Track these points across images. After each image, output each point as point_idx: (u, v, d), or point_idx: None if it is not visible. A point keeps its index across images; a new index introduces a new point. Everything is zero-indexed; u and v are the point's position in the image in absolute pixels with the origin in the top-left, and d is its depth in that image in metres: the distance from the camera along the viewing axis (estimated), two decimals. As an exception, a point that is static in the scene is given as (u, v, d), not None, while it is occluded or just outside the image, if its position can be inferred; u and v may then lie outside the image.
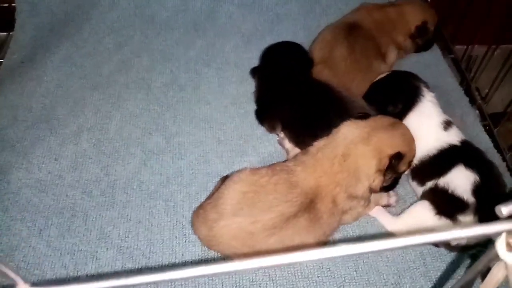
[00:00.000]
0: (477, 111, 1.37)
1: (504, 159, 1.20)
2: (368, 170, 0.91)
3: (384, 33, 1.29)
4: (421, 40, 1.35)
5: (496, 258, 0.41)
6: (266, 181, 0.90)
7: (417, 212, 1.00)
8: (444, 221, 0.95)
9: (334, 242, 1.01)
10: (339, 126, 0.97)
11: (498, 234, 0.39)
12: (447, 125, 1.05)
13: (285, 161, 1.07)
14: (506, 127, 1.45)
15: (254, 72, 1.29)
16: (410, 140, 0.97)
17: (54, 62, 1.39)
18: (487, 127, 1.31)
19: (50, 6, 1.51)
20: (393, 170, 0.93)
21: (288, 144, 1.16)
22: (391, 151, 0.91)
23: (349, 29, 1.27)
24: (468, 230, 0.39)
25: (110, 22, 1.51)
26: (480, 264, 0.45)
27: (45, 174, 1.11)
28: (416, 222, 0.99)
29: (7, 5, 1.52)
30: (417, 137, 1.00)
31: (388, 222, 1.03)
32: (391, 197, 1.07)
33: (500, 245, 0.40)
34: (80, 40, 1.45)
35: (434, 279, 0.97)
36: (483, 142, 1.24)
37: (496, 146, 1.24)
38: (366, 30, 1.27)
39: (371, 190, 0.93)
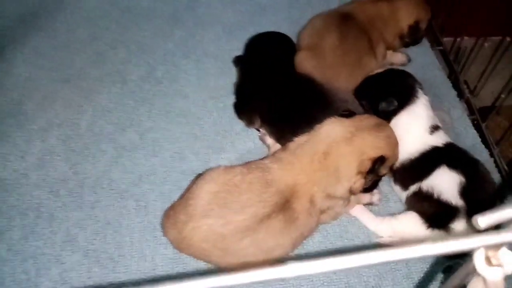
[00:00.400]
0: (465, 105, 1.32)
1: (491, 155, 1.16)
2: (349, 171, 0.86)
3: (375, 29, 1.21)
4: (411, 38, 1.28)
5: (474, 272, 0.37)
6: (240, 180, 0.85)
7: (407, 224, 0.94)
8: (436, 232, 0.90)
9: (313, 243, 0.97)
10: (322, 123, 0.92)
11: (477, 248, 0.34)
12: (434, 129, 1.01)
13: (263, 158, 1.02)
14: (495, 121, 1.41)
15: (237, 61, 1.23)
16: (394, 143, 0.92)
17: (24, 54, 1.31)
18: (475, 122, 1.26)
19: (20, -5, 1.43)
20: (374, 173, 0.88)
21: (269, 140, 1.11)
22: (374, 153, 0.87)
23: (342, 19, 1.19)
24: (444, 245, 0.34)
25: (85, 12, 1.44)
26: (456, 279, 0.40)
27: (10, 172, 1.05)
28: (404, 231, 0.94)
29: (-26, -7, 1.45)
30: (402, 138, 0.95)
31: (371, 222, 0.99)
32: (374, 195, 1.02)
33: (478, 260, 0.35)
34: (52, 31, 1.38)
35: (417, 281, 0.92)
36: (471, 137, 1.20)
37: (484, 141, 1.20)
38: (360, 23, 1.19)
39: (351, 192, 0.88)
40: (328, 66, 1.13)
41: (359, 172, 0.86)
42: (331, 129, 0.89)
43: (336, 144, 0.87)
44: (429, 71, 1.35)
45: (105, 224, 0.97)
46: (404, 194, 0.99)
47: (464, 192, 0.89)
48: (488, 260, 0.35)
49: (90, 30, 1.40)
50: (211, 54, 1.35)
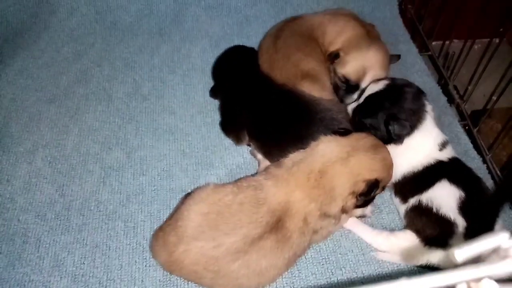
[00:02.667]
0: (456, 111, 1.31)
1: (484, 161, 1.14)
2: (342, 191, 0.85)
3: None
4: None
5: (458, 304, 0.35)
6: (231, 200, 0.84)
7: (404, 242, 0.92)
8: (435, 249, 0.88)
9: (306, 259, 0.95)
10: (318, 141, 0.91)
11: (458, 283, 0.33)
12: (443, 146, 0.97)
13: (255, 173, 1.00)
14: (487, 124, 1.40)
15: (213, 92, 1.23)
16: (389, 165, 0.91)
17: (8, 75, 1.30)
18: (467, 127, 1.25)
19: (4, 15, 1.41)
20: (367, 195, 0.87)
21: (259, 155, 1.09)
22: (369, 176, 0.86)
23: (285, 24, 1.22)
24: (426, 280, 0.32)
25: (69, 30, 1.43)
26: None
27: (-5, 197, 1.03)
28: (401, 248, 0.92)
29: (-42, 15, 1.43)
30: (410, 157, 0.95)
31: (368, 234, 0.97)
32: (366, 208, 1.01)
33: (461, 293, 0.34)
34: (37, 50, 1.37)
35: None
36: (463, 143, 1.19)
37: (476, 147, 1.19)
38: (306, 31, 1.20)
39: (343, 211, 0.87)
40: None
41: (352, 193, 0.85)
42: (327, 148, 0.88)
43: (332, 164, 0.85)
44: (418, 77, 1.34)
45: (93, 247, 0.96)
46: (403, 208, 0.97)
47: (464, 208, 0.87)
48: (471, 291, 0.34)
49: (75, 48, 1.39)
50: (198, 68, 1.34)
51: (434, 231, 0.87)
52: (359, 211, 1.00)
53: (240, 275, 0.81)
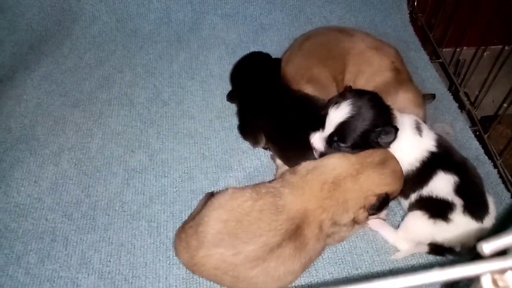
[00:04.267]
0: (467, 117, 1.34)
1: (495, 166, 1.17)
2: (354, 205, 0.88)
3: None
4: None
5: (482, 294, 0.39)
6: (250, 207, 0.85)
7: (411, 223, 0.97)
8: (439, 223, 0.92)
9: (323, 259, 0.99)
10: (329, 155, 0.93)
11: (483, 274, 0.36)
12: (419, 130, 1.00)
13: (272, 180, 1.03)
14: (497, 131, 1.43)
15: (230, 97, 1.27)
16: (399, 177, 0.93)
17: (34, 80, 1.35)
18: (478, 133, 1.28)
19: (29, 23, 1.47)
20: (379, 209, 0.90)
21: (278, 160, 1.13)
22: (379, 191, 0.89)
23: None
24: (451, 271, 0.36)
25: (91, 37, 1.49)
26: (464, 299, 0.42)
27: (24, 197, 1.07)
28: (414, 232, 0.97)
29: (-15, 23, 1.49)
30: (404, 157, 0.97)
31: (391, 235, 1.01)
32: (382, 212, 1.04)
33: (486, 284, 0.37)
34: (60, 57, 1.42)
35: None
36: (474, 148, 1.22)
37: (487, 151, 1.22)
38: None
39: (355, 222, 0.91)
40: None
41: (363, 207, 0.88)
42: (338, 163, 0.90)
43: (343, 179, 0.88)
44: (429, 84, 1.38)
45: (119, 245, 1.00)
46: (406, 202, 1.01)
47: (458, 189, 0.94)
48: (495, 283, 0.37)
49: (97, 54, 1.44)
50: (215, 75, 1.39)
51: (436, 208, 0.93)
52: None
53: (259, 281, 0.84)
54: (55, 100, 1.30)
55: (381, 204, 0.89)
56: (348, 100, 0.95)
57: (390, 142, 0.95)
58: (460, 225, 0.92)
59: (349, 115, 0.94)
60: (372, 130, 0.94)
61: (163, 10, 1.52)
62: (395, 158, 0.95)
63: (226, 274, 0.83)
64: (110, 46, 1.46)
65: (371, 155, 0.92)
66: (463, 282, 0.43)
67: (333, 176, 0.88)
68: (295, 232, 0.84)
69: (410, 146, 0.98)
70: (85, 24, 1.50)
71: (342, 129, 0.95)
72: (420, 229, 0.95)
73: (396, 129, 0.94)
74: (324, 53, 1.20)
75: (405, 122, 0.99)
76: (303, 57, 1.20)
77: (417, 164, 0.98)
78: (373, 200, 0.88)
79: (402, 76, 1.19)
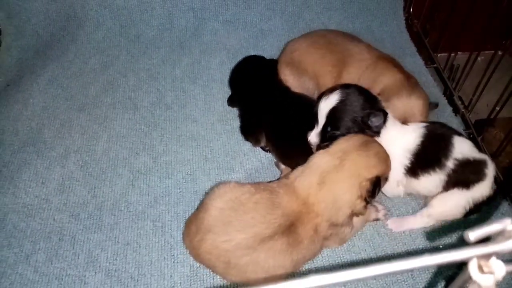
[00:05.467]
0: (461, 120, 1.39)
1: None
2: (348, 197, 0.88)
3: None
4: None
5: (470, 279, 0.42)
6: (247, 199, 0.89)
7: (448, 204, 1.01)
8: (476, 186, 0.98)
9: (322, 257, 1.02)
10: (312, 155, 0.95)
11: (470, 259, 0.40)
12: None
13: (271, 181, 1.07)
14: (490, 133, 1.47)
15: (231, 101, 1.31)
16: (385, 157, 0.93)
17: (40, 84, 1.39)
18: (471, 136, 1.32)
19: (35, 28, 1.51)
20: (373, 194, 0.90)
21: (282, 166, 1.16)
22: (369, 174, 0.88)
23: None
24: (440, 257, 0.40)
25: (95, 42, 1.52)
26: (455, 286, 0.46)
27: (32, 198, 1.11)
28: (451, 211, 1.02)
29: (-8, 28, 1.53)
30: (400, 137, 1.01)
31: (418, 223, 1.05)
32: (379, 212, 1.07)
33: (473, 268, 0.41)
34: (66, 62, 1.46)
35: (422, 291, 0.97)
36: (468, 150, 1.26)
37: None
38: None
39: (357, 214, 0.92)
40: None
41: (360, 196, 0.88)
42: (320, 159, 0.91)
43: (328, 174, 0.88)
44: (425, 88, 1.40)
45: (125, 244, 1.03)
46: (428, 182, 1.01)
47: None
48: (481, 269, 0.41)
49: (101, 59, 1.48)
50: (217, 79, 1.43)
51: (470, 173, 1.00)
52: (373, 215, 1.07)
53: (248, 269, 0.86)
54: (61, 104, 1.34)
55: (374, 187, 0.88)
56: (336, 91, 1.00)
57: (380, 126, 0.98)
58: (491, 174, 0.99)
59: (338, 101, 0.98)
60: (361, 114, 0.97)
61: (166, 17, 1.56)
62: (375, 140, 0.95)
63: (218, 259, 0.87)
64: (114, 51, 1.50)
65: (350, 139, 0.92)
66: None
67: (318, 176, 0.88)
68: (289, 228, 0.86)
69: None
70: (89, 30, 1.54)
71: (333, 116, 0.99)
72: (459, 203, 0.99)
73: (385, 113, 0.98)
74: (325, 46, 1.26)
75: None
76: (304, 42, 1.27)
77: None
78: (367, 185, 0.87)
79: (413, 80, 1.20)
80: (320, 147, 0.98)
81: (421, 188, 1.03)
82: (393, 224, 1.06)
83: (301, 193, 0.89)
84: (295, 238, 0.86)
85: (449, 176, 0.98)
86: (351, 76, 1.21)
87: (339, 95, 0.98)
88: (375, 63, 1.21)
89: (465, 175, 0.98)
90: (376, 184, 0.89)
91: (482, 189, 0.99)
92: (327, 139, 1.00)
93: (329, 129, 1.00)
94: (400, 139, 1.01)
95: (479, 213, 1.03)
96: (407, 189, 1.05)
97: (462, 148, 0.99)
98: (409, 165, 1.00)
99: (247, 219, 0.86)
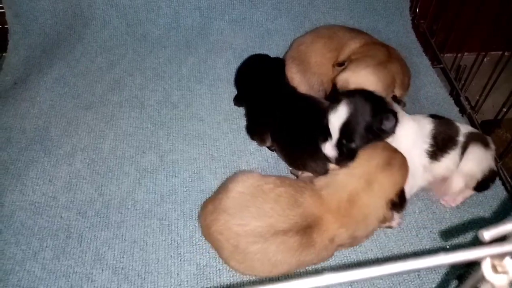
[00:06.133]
0: (468, 120, 1.38)
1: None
2: (379, 215, 0.90)
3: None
4: None
5: (483, 279, 0.42)
6: (270, 189, 0.89)
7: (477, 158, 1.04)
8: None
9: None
10: (335, 171, 0.94)
11: (483, 258, 0.40)
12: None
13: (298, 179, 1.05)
14: (497, 134, 1.47)
15: (237, 100, 1.32)
16: (406, 167, 0.94)
17: (47, 83, 1.39)
18: (478, 136, 1.32)
19: (42, 27, 1.52)
20: (402, 206, 0.92)
21: (299, 172, 1.14)
22: (395, 191, 0.90)
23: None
24: (453, 256, 0.40)
25: (102, 41, 1.53)
26: (467, 285, 0.46)
27: (40, 196, 1.11)
28: (478, 167, 1.04)
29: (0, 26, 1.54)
30: (414, 137, 1.03)
31: (457, 182, 1.05)
32: (394, 219, 1.05)
33: (486, 268, 0.41)
34: (72, 60, 1.47)
35: (429, 291, 0.97)
36: (474, 151, 1.25)
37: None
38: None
39: (385, 221, 0.94)
40: None
41: (388, 209, 0.90)
42: (346, 180, 0.90)
43: (357, 195, 0.88)
44: (431, 89, 1.42)
45: (132, 242, 1.03)
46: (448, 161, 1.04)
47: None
48: (495, 268, 0.41)
49: (108, 58, 1.48)
50: (223, 78, 1.43)
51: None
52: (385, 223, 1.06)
53: (255, 258, 0.86)
54: (68, 102, 1.34)
55: (401, 201, 0.91)
56: (342, 102, 0.98)
57: (394, 126, 0.97)
58: (493, 146, 1.09)
59: (347, 114, 0.97)
60: (373, 120, 0.96)
61: (172, 16, 1.57)
62: (395, 150, 0.95)
63: (227, 241, 0.87)
64: (120, 50, 1.50)
65: (372, 159, 0.91)
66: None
67: (347, 194, 0.88)
68: (304, 229, 0.86)
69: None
70: (96, 29, 1.55)
71: (346, 129, 0.98)
72: (481, 156, 1.04)
73: (394, 113, 0.98)
74: (327, 35, 1.29)
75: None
76: (310, 35, 1.31)
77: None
78: (395, 200, 0.90)
79: (388, 57, 1.21)
80: (339, 160, 0.98)
81: (442, 169, 1.05)
82: (448, 201, 1.09)
83: (331, 204, 0.88)
84: (308, 240, 0.86)
85: (462, 147, 1.04)
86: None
87: (347, 107, 0.97)
88: (364, 45, 1.24)
89: (474, 139, 1.05)
90: (402, 197, 0.91)
91: (491, 156, 1.06)
92: (344, 152, 0.99)
93: (344, 142, 0.99)
94: (415, 127, 1.03)
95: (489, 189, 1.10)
96: (430, 175, 1.05)
97: (464, 126, 1.08)
98: (429, 148, 1.03)
99: (266, 208, 0.86)
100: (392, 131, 0.98)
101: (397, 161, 0.93)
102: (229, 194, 0.89)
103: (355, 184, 0.89)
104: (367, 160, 0.92)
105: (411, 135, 1.02)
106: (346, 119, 0.97)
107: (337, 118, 0.98)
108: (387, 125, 0.97)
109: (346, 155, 0.97)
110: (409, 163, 0.96)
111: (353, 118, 0.97)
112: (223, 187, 0.94)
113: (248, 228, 0.85)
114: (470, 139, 1.05)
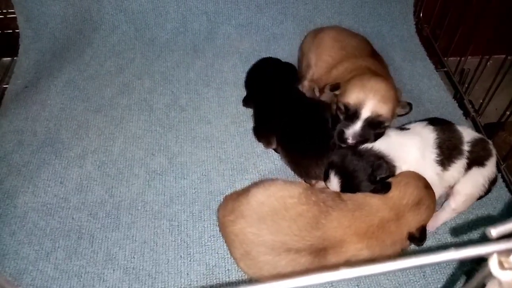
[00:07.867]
0: (472, 123, 1.40)
1: (498, 170, 1.22)
2: (401, 246, 0.95)
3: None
4: None
5: (490, 275, 0.44)
6: (292, 206, 0.89)
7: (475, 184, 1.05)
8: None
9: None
10: (368, 195, 0.95)
11: (490, 254, 0.42)
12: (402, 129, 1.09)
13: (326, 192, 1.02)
14: (500, 137, 1.49)
15: (246, 101, 1.34)
16: (432, 208, 0.98)
17: (57, 86, 1.42)
18: (482, 139, 1.34)
19: (52, 32, 1.54)
20: (421, 240, 0.95)
21: (313, 181, 1.13)
22: (418, 226, 0.94)
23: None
24: (460, 252, 0.41)
25: (111, 45, 1.55)
26: (475, 281, 0.47)
27: (51, 197, 1.13)
28: (470, 187, 1.05)
29: (11, 31, 1.56)
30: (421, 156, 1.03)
31: (445, 214, 1.07)
32: None
33: (493, 264, 0.43)
34: (82, 64, 1.49)
35: (435, 291, 0.99)
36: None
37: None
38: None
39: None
40: None
41: (405, 240, 0.95)
42: (380, 206, 0.93)
43: (387, 223, 0.92)
44: (435, 92, 1.44)
45: (142, 243, 1.05)
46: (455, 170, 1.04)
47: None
48: (501, 265, 0.43)
49: (117, 62, 1.51)
50: (230, 82, 1.45)
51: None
52: None
53: (265, 268, 0.88)
54: (78, 105, 1.37)
55: (422, 235, 0.94)
56: (333, 168, 0.99)
57: (387, 173, 0.96)
58: (494, 150, 1.09)
59: (341, 182, 0.98)
60: (368, 176, 0.96)
61: (180, 20, 1.59)
62: (426, 186, 0.97)
63: (241, 245, 0.89)
64: (129, 54, 1.53)
65: (407, 196, 0.94)
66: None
67: (378, 219, 0.91)
68: (319, 252, 0.86)
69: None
70: (105, 33, 1.57)
71: (348, 190, 0.98)
72: (479, 181, 1.05)
73: (379, 159, 0.97)
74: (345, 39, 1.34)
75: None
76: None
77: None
78: (416, 233, 0.94)
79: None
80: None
81: (450, 178, 1.06)
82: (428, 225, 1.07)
83: (362, 226, 0.90)
84: (321, 261, 0.86)
85: (468, 158, 1.04)
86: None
87: (339, 176, 0.98)
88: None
89: (479, 153, 1.06)
90: (423, 232, 0.95)
91: (492, 165, 1.07)
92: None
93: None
94: (418, 142, 1.03)
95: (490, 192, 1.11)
96: (445, 183, 1.06)
97: (466, 132, 1.07)
98: (437, 157, 1.03)
99: (283, 225, 0.87)
100: (388, 172, 0.97)
101: (427, 202, 0.96)
102: (249, 200, 0.91)
103: (386, 213, 0.92)
104: (400, 197, 0.94)
105: (416, 151, 1.02)
106: (342, 185, 0.98)
107: (334, 186, 0.99)
108: (380, 174, 0.96)
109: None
110: (424, 175, 1.00)
111: (348, 182, 0.98)
112: (246, 189, 0.96)
113: (262, 239, 0.86)
114: (473, 149, 1.05)
